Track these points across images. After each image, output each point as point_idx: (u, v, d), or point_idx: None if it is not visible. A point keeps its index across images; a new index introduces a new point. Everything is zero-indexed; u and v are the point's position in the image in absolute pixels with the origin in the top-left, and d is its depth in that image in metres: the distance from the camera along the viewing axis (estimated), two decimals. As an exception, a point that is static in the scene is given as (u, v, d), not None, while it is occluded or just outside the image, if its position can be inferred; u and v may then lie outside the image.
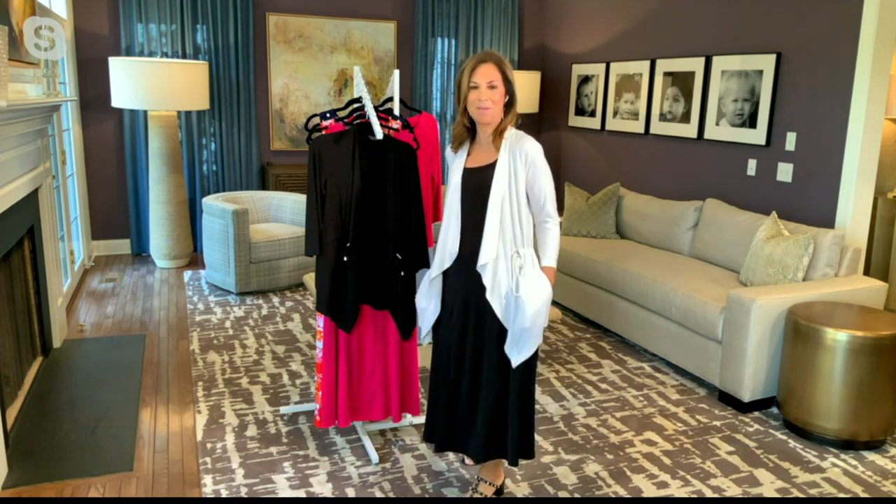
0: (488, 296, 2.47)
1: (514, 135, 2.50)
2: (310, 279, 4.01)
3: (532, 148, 2.46)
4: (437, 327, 2.67)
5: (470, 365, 2.57)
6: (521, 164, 2.45)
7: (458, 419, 2.62)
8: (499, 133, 2.48)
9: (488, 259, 2.45)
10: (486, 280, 2.47)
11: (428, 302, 2.65)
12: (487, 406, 2.55)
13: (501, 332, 2.51)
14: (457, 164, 2.57)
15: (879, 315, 3.37)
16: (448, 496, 2.78)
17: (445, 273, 2.60)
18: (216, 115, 6.25)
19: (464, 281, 2.53)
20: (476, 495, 2.71)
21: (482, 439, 2.57)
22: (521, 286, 2.46)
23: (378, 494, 2.79)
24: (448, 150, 2.65)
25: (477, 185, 2.48)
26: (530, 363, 2.54)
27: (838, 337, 3.16)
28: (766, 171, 4.53)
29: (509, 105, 2.48)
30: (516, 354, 2.50)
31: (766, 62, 4.46)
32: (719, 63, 4.85)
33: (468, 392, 2.59)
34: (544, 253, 2.53)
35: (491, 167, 2.47)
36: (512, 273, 2.47)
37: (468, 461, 2.97)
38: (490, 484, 2.72)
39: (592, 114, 6.31)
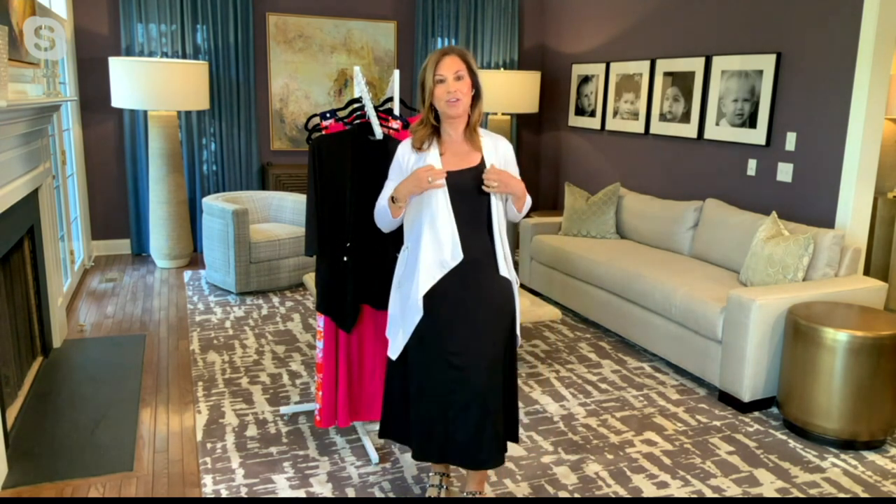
0: (517, 294, 2.54)
1: (485, 133, 2.51)
2: (310, 279, 4.02)
3: (507, 146, 2.53)
4: (416, 342, 2.46)
5: (473, 370, 2.41)
6: (503, 161, 2.49)
7: (459, 433, 2.44)
8: (472, 129, 2.45)
9: (504, 259, 2.49)
10: (511, 278, 2.52)
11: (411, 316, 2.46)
12: (500, 406, 2.46)
13: (500, 330, 2.46)
14: (429, 165, 2.38)
15: (879, 315, 3.37)
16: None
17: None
18: (216, 115, 6.25)
19: (462, 287, 2.42)
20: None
21: (495, 443, 2.45)
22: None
23: (378, 494, 2.79)
24: (402, 155, 2.46)
25: (470, 189, 2.40)
26: (516, 341, 2.57)
27: (838, 337, 3.16)
28: (766, 171, 4.53)
29: (475, 99, 2.44)
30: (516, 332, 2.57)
31: (766, 62, 4.46)
32: (719, 63, 4.85)
33: (467, 403, 2.41)
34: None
35: (482, 169, 2.42)
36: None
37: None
38: (480, 494, 2.67)
39: (592, 114, 6.31)
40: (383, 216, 2.52)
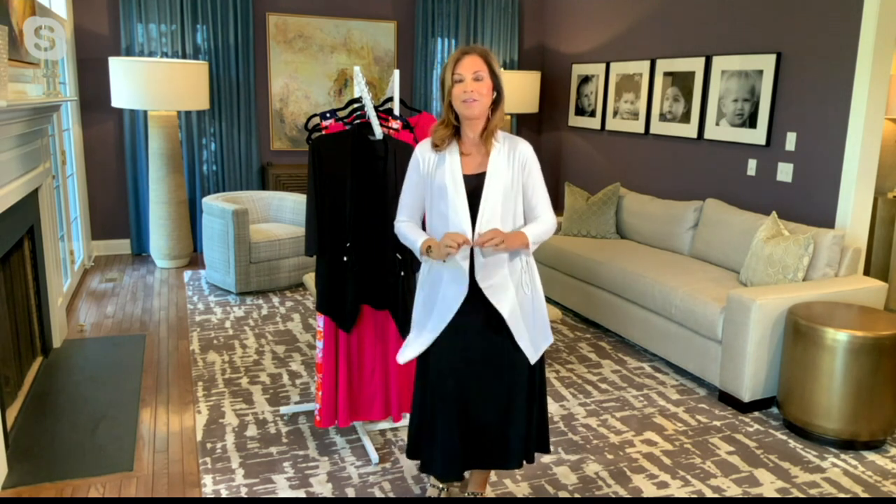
0: (505, 314, 2.36)
1: (504, 137, 2.39)
2: (310, 279, 4.01)
3: (527, 149, 2.39)
4: (433, 351, 2.43)
5: (488, 380, 2.41)
6: (518, 167, 2.36)
7: (478, 439, 2.45)
8: (489, 134, 2.34)
9: (498, 274, 2.35)
10: (496, 296, 2.35)
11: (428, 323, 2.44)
12: (521, 412, 2.43)
13: (514, 339, 2.41)
14: (448, 166, 2.34)
15: (879, 315, 3.37)
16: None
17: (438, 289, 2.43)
18: (216, 115, 6.25)
19: (472, 297, 2.38)
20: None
21: (520, 444, 2.46)
22: (535, 281, 2.43)
23: (378, 494, 2.79)
24: (421, 154, 2.41)
25: (475, 195, 2.33)
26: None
27: (838, 337, 3.16)
28: (766, 171, 4.53)
29: (496, 103, 2.33)
30: (535, 351, 2.43)
31: (766, 62, 4.46)
32: (719, 63, 4.85)
33: (486, 412, 2.43)
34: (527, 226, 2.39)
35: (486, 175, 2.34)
36: (521, 272, 2.39)
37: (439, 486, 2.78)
38: (481, 494, 2.69)
39: (592, 114, 6.31)
40: (409, 245, 2.46)
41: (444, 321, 2.38)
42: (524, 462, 2.50)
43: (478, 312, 2.38)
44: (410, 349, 2.47)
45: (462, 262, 2.33)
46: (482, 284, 2.35)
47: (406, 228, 2.45)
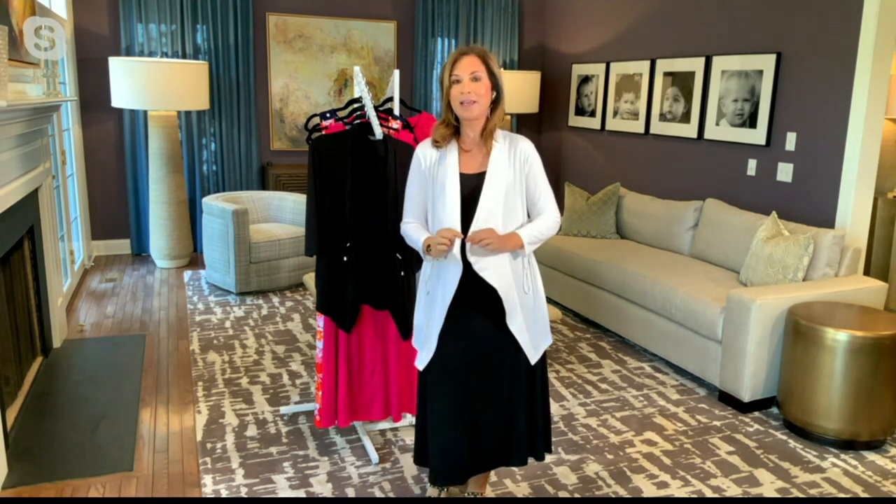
0: (508, 320, 2.36)
1: (504, 136, 2.38)
2: (310, 279, 4.02)
3: (527, 146, 2.38)
4: (433, 355, 2.42)
5: (488, 381, 2.41)
6: (519, 164, 2.35)
7: (480, 442, 2.44)
8: (488, 134, 2.34)
9: (498, 273, 2.35)
10: (504, 299, 2.35)
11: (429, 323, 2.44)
12: (524, 410, 2.43)
13: (513, 339, 2.41)
14: (448, 165, 2.34)
15: (879, 315, 3.37)
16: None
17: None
18: (216, 115, 6.25)
19: (471, 298, 2.38)
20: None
21: (523, 442, 2.46)
22: (536, 282, 2.43)
23: (378, 494, 2.79)
24: (422, 154, 2.41)
25: (474, 194, 2.33)
26: (544, 353, 2.48)
27: (838, 337, 3.16)
28: (766, 171, 4.53)
29: (496, 103, 2.32)
30: (535, 351, 2.43)
31: (766, 62, 4.46)
32: (719, 63, 4.85)
33: (487, 413, 2.43)
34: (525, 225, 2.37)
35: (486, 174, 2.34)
36: (522, 273, 2.39)
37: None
38: (482, 494, 2.69)
39: (592, 114, 6.31)
40: (414, 247, 2.45)
41: (441, 319, 2.37)
42: (533, 459, 2.49)
43: (477, 314, 2.38)
44: (422, 355, 2.46)
45: (458, 259, 2.32)
46: (481, 273, 2.33)
47: (412, 230, 2.45)
